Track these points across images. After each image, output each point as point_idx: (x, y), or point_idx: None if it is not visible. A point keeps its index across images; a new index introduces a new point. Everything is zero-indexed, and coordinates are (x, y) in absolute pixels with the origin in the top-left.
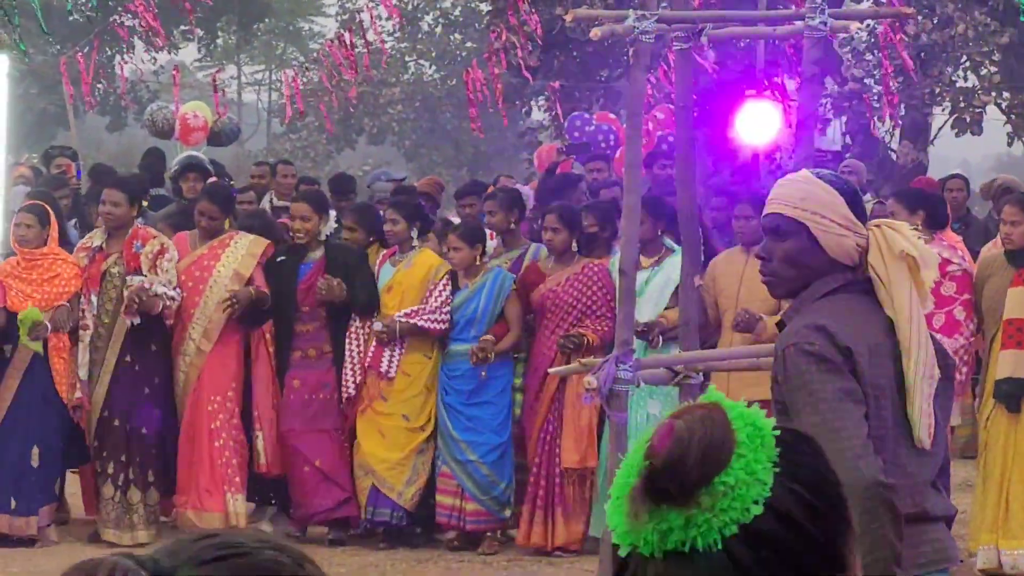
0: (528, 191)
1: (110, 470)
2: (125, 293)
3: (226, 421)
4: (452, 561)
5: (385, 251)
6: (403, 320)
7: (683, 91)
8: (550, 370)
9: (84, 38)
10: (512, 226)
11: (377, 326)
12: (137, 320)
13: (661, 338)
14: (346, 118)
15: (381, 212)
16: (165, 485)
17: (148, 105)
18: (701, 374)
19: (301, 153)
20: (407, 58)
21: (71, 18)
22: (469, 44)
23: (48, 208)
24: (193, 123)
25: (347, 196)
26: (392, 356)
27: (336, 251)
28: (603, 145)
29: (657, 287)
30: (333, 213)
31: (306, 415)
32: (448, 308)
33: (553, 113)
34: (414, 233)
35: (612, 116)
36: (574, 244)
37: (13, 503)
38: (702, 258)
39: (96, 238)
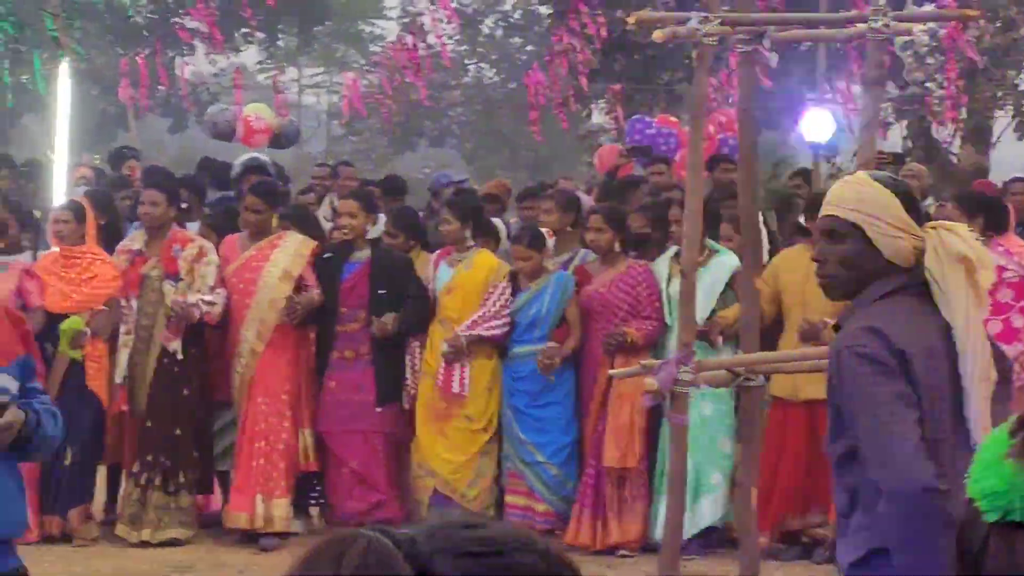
0: (588, 199)
1: (135, 468)
2: (168, 296)
3: (276, 423)
4: None
5: (438, 252)
6: (467, 334)
7: (745, 94)
8: (610, 372)
9: (145, 41)
10: (568, 228)
11: (443, 347)
12: (178, 345)
13: (721, 338)
14: (406, 121)
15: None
16: (202, 485)
17: (208, 107)
18: (762, 376)
19: (361, 156)
20: (467, 61)
21: (132, 20)
22: (529, 47)
23: (85, 205)
24: (256, 125)
25: (398, 198)
26: (463, 375)
27: (382, 255)
28: (663, 148)
29: (704, 289)
30: (382, 216)
31: (340, 416)
32: (508, 311)
33: (614, 116)
34: (468, 233)
35: (673, 119)
36: (617, 245)
37: (48, 501)
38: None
39: (136, 241)
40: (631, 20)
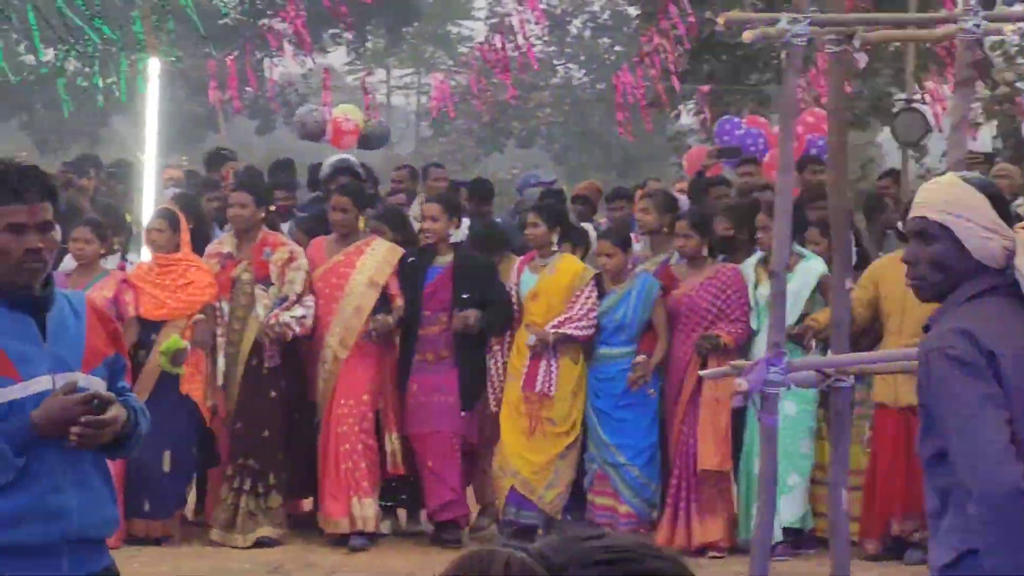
0: (685, 200)
1: (229, 471)
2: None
3: (355, 425)
4: None
5: (521, 257)
6: (555, 331)
7: (835, 94)
8: (701, 373)
9: (234, 42)
10: (664, 229)
11: (530, 340)
12: (276, 360)
13: (814, 341)
14: (495, 122)
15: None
16: (290, 488)
17: (297, 108)
18: (852, 377)
19: (449, 157)
20: (556, 62)
21: (220, 21)
22: (618, 48)
23: (178, 212)
24: (345, 126)
25: (486, 202)
26: (550, 371)
27: (466, 259)
28: (752, 149)
29: (791, 293)
30: (467, 220)
31: (421, 417)
32: (595, 314)
33: (703, 117)
34: (554, 238)
35: (762, 120)
36: (704, 249)
37: (147, 506)
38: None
39: (226, 244)
40: (720, 20)
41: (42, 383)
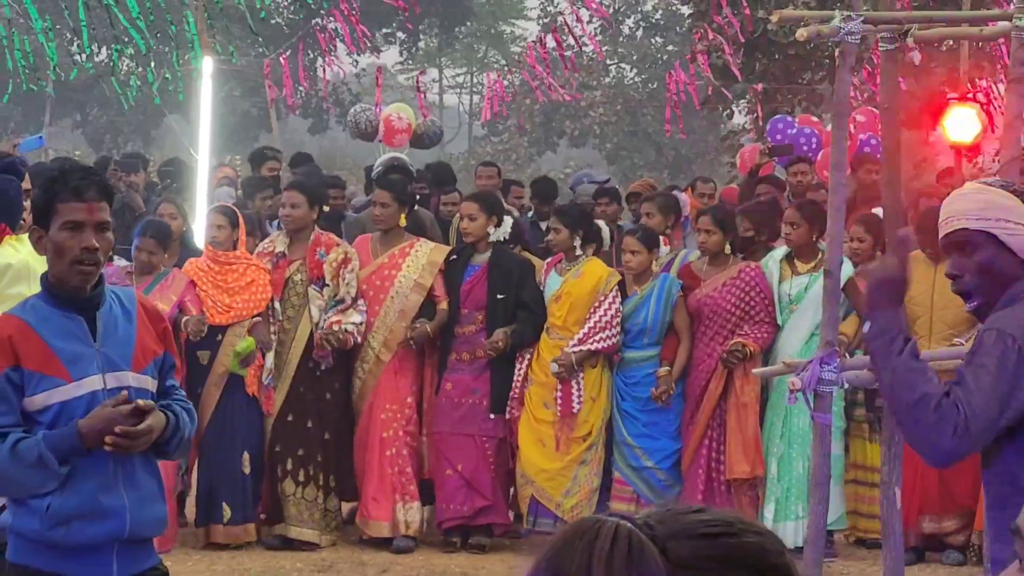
0: (684, 197)
1: (289, 466)
2: (316, 333)
3: (400, 429)
4: None
5: (549, 259)
6: (577, 351)
7: (889, 92)
8: (754, 371)
9: (287, 41)
10: (667, 230)
11: (553, 368)
12: (330, 362)
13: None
14: (547, 121)
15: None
16: (345, 489)
17: (349, 107)
18: None
19: (502, 156)
20: (608, 61)
21: (273, 21)
22: (670, 47)
23: (236, 210)
24: (397, 125)
25: (549, 201)
26: (579, 392)
27: (502, 257)
28: (805, 148)
29: (817, 294)
30: (508, 219)
31: (452, 418)
32: (618, 320)
33: (755, 116)
34: (577, 242)
35: (814, 119)
36: (727, 246)
37: (228, 513)
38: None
39: (278, 243)
40: (774, 18)
41: (92, 383)
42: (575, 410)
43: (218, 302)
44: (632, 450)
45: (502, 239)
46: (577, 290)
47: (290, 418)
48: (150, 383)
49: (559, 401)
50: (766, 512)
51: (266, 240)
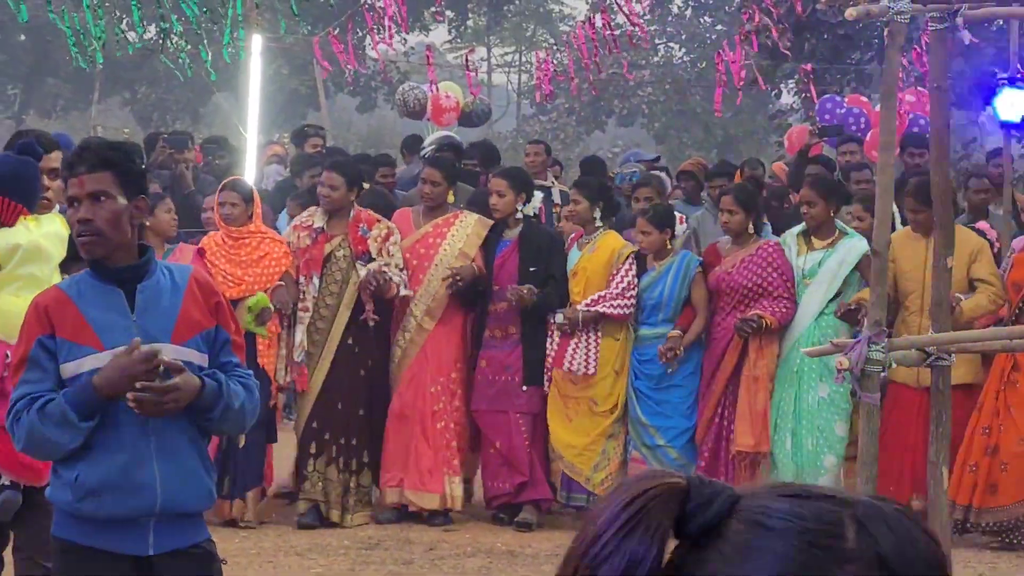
0: (666, 179)
1: (334, 452)
2: (359, 275)
3: (448, 403)
4: None
5: (573, 234)
6: (586, 309)
7: (938, 72)
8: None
9: (335, 19)
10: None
11: (558, 318)
12: (376, 318)
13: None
14: (596, 100)
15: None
16: (375, 465)
17: (398, 86)
18: (953, 355)
19: (551, 135)
20: (657, 41)
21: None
22: (719, 27)
23: (252, 186)
24: (446, 104)
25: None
26: (588, 350)
27: (532, 232)
28: (853, 128)
29: (830, 270)
30: (539, 194)
31: (488, 396)
32: (633, 291)
33: (804, 95)
34: (596, 214)
35: (863, 99)
36: (750, 225)
37: (226, 485)
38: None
39: (316, 219)
40: None
41: None
42: (567, 367)
43: (230, 275)
44: (646, 429)
45: (532, 214)
46: (592, 264)
47: (328, 397)
48: (195, 356)
49: (552, 352)
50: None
51: (304, 213)
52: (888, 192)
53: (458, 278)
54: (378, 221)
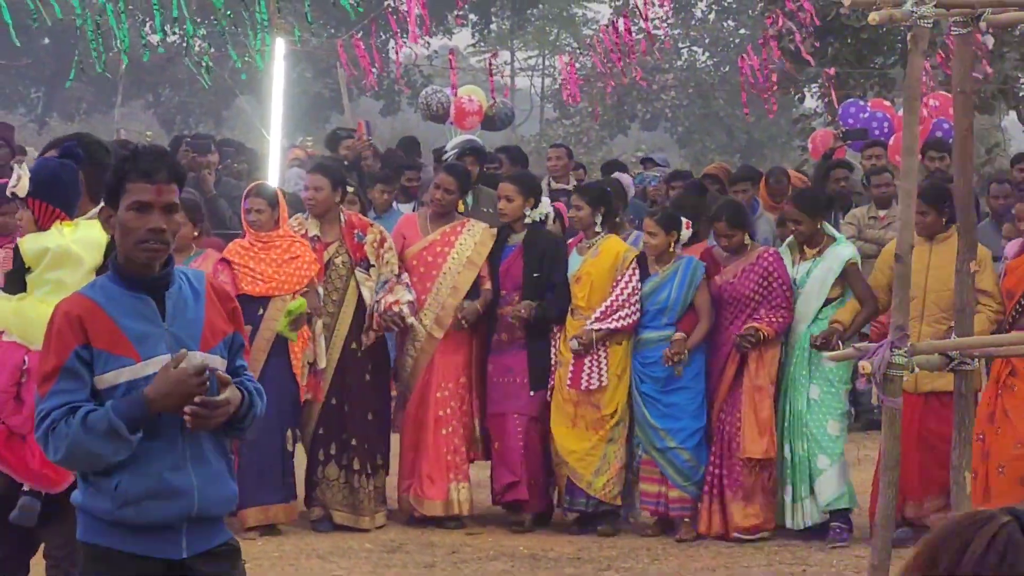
0: (629, 180)
1: (332, 451)
2: (375, 312)
3: (456, 409)
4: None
5: (571, 239)
6: (597, 328)
7: (962, 76)
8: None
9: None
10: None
11: (572, 344)
12: (373, 340)
13: (841, 343)
14: (619, 104)
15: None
16: (388, 468)
17: (421, 89)
18: (976, 360)
19: (574, 139)
20: (680, 45)
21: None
22: (742, 31)
23: (278, 191)
24: (468, 107)
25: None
26: (599, 366)
27: (537, 237)
28: (877, 132)
29: (819, 278)
30: (546, 200)
31: (492, 398)
32: (637, 297)
33: (827, 100)
34: (598, 219)
35: (887, 103)
36: (746, 239)
37: (271, 490)
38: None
39: (310, 227)
40: (846, 2)
41: (160, 362)
42: (583, 387)
43: (260, 273)
44: (656, 432)
45: (539, 220)
46: (596, 270)
47: (334, 402)
48: (219, 363)
49: (569, 374)
50: (784, 495)
51: (294, 222)
52: (911, 197)
53: (463, 322)
54: (370, 225)
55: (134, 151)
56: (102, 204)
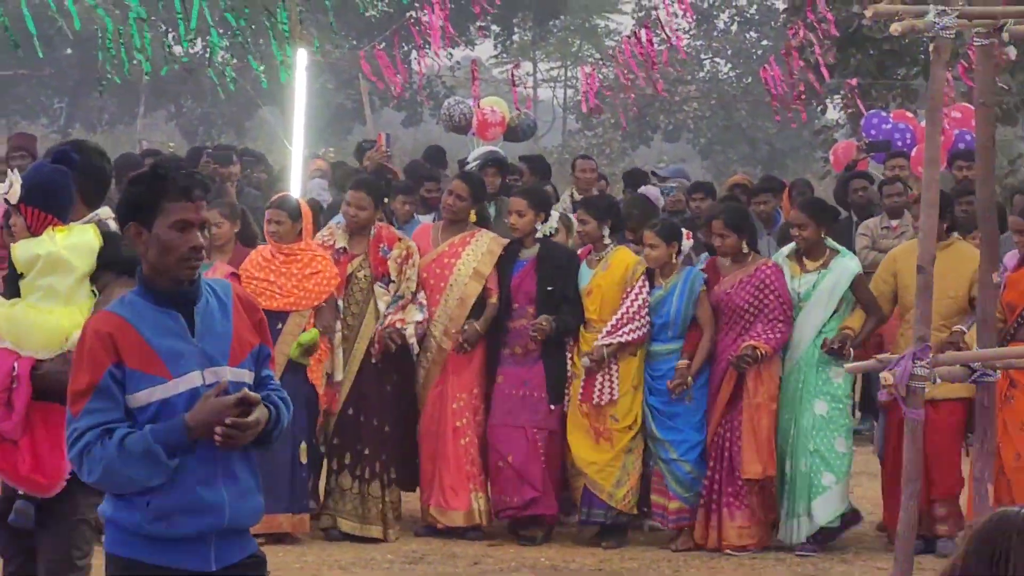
0: (656, 192)
1: (347, 460)
2: (376, 326)
3: (471, 419)
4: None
5: (579, 251)
6: (607, 343)
7: (984, 87)
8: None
9: (381, 33)
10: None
11: (584, 361)
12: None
13: (852, 351)
14: (641, 115)
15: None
16: (406, 481)
17: (443, 100)
18: (998, 371)
19: (596, 150)
20: (702, 56)
21: (367, 14)
22: (765, 42)
23: (300, 203)
24: (491, 118)
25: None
26: (610, 380)
27: (550, 250)
28: (899, 143)
29: (825, 291)
30: (555, 214)
31: (503, 410)
32: (646, 309)
33: (851, 111)
34: (606, 231)
35: (909, 114)
36: (744, 245)
37: (287, 501)
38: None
39: (339, 238)
40: (868, 12)
41: (192, 380)
42: (594, 401)
43: (277, 287)
44: (661, 443)
45: (549, 234)
46: (607, 282)
47: (350, 412)
48: (247, 376)
49: (581, 389)
50: (782, 511)
51: (325, 232)
52: (933, 207)
53: (465, 345)
54: (399, 240)
55: (169, 169)
56: (130, 221)
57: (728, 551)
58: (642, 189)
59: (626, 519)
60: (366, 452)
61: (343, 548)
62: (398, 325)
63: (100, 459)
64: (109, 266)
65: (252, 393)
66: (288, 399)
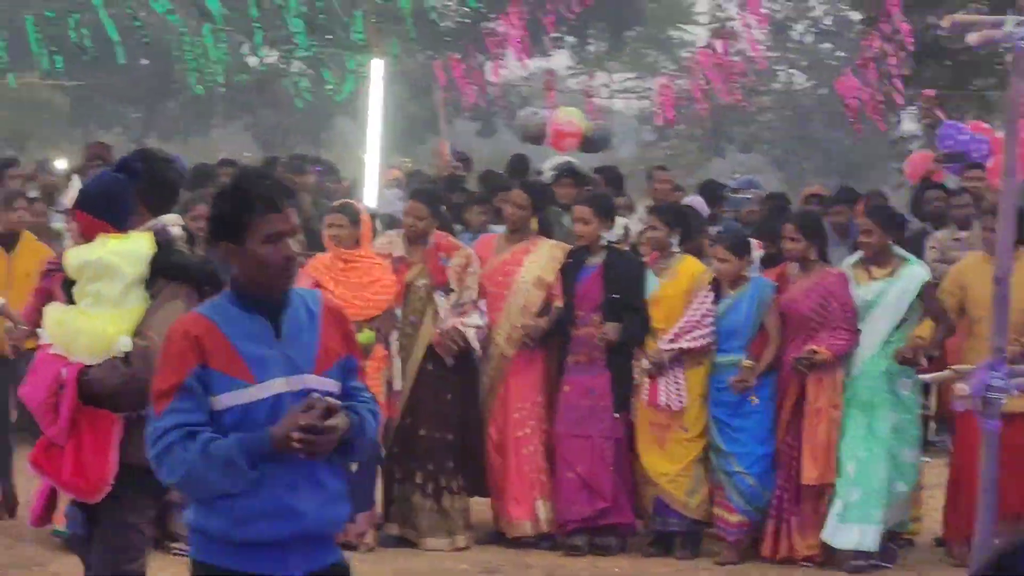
0: (702, 202)
1: (418, 479)
2: (435, 330)
3: (535, 428)
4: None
5: (645, 259)
6: (669, 349)
7: None
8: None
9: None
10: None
11: (644, 364)
12: (452, 362)
13: (925, 360)
14: (716, 127)
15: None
16: (474, 489)
17: (518, 111)
18: None
19: (671, 161)
20: (777, 67)
21: (443, 24)
22: (840, 53)
23: (360, 208)
24: (566, 129)
25: (717, 204)
26: (677, 385)
27: (615, 259)
28: (975, 155)
29: (893, 299)
30: (623, 220)
31: (570, 420)
32: (711, 318)
33: (928, 122)
34: (675, 239)
35: (986, 125)
36: (814, 253)
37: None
38: None
39: (396, 247)
40: (945, 23)
41: (276, 386)
42: (662, 403)
43: (336, 295)
44: (724, 456)
45: (615, 240)
46: (673, 291)
47: (408, 421)
48: (332, 385)
49: (645, 392)
50: (831, 510)
51: (383, 240)
52: (1010, 218)
53: (529, 341)
54: (457, 249)
55: (253, 184)
56: (220, 240)
57: (802, 563)
58: (686, 200)
59: (701, 528)
60: (429, 465)
61: (418, 558)
62: (460, 328)
63: (182, 462)
64: (162, 272)
65: (332, 400)
66: (378, 411)
